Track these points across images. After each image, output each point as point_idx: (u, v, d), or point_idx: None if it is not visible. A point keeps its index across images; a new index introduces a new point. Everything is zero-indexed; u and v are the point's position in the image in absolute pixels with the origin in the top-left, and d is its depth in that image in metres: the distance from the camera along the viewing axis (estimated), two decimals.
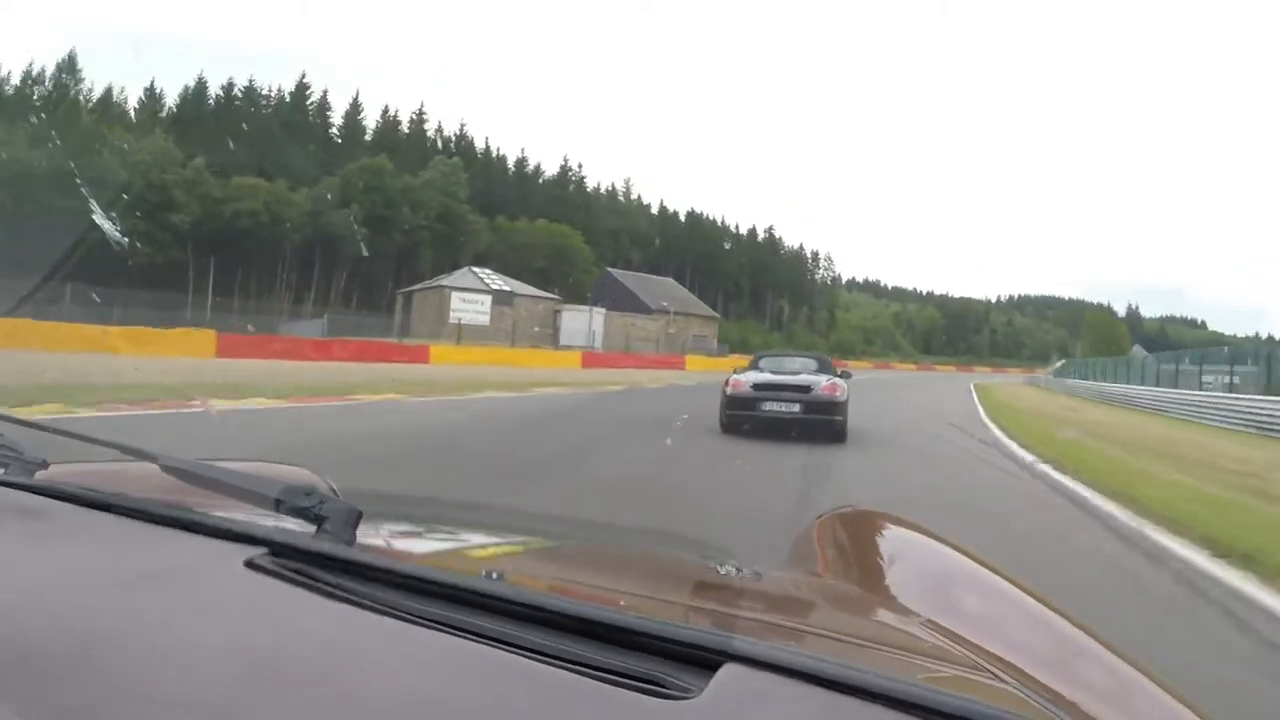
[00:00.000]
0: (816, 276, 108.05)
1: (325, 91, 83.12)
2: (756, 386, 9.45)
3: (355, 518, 0.73)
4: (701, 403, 14.07)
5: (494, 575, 0.66)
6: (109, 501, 0.83)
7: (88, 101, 65.58)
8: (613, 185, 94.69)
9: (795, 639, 0.74)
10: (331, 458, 5.72)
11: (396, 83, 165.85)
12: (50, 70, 63.86)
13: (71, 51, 61.58)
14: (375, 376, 15.76)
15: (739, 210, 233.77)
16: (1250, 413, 15.51)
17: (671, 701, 0.49)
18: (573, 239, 72.85)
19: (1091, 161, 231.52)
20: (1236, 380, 20.77)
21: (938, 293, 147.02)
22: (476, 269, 54.38)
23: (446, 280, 51.76)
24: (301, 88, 79.38)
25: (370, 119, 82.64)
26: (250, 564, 0.68)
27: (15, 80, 62.23)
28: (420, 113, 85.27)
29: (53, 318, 24.29)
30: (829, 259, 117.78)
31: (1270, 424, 14.28)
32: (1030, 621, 0.91)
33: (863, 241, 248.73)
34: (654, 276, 70.47)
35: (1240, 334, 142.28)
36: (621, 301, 60.27)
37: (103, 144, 54.76)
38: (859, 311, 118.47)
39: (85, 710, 0.47)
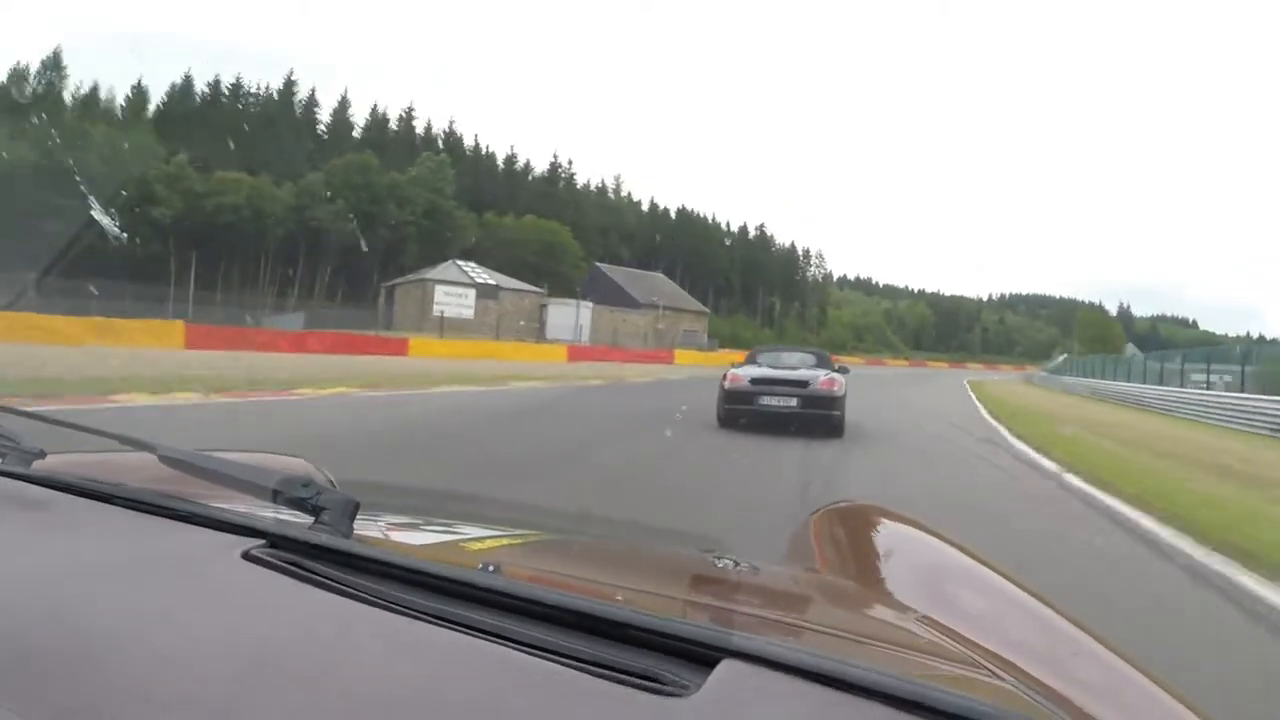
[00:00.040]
0: (808, 273, 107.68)
1: (313, 89, 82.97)
2: (755, 381, 9.48)
3: (352, 509, 0.73)
4: (686, 399, 13.32)
5: (490, 568, 0.66)
6: (107, 492, 0.83)
7: (78, 98, 65.01)
8: (603, 182, 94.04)
9: (793, 635, 0.75)
10: None
11: (386, 81, 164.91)
12: (35, 67, 62.76)
13: (57, 48, 60.46)
14: (338, 370, 15.05)
15: (730, 207, 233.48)
16: (1259, 412, 14.84)
17: (668, 697, 0.49)
18: (561, 235, 72.33)
19: (1084, 160, 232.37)
20: (1229, 380, 20.51)
21: (929, 290, 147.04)
22: (461, 262, 53.55)
23: (430, 273, 51.00)
24: (289, 85, 78.57)
25: (359, 116, 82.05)
26: (248, 555, 0.68)
27: (0, 77, 61.17)
28: (409, 110, 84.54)
29: (30, 310, 23.46)
30: (820, 256, 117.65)
31: None
32: (1027, 618, 0.92)
33: (854, 239, 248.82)
34: (643, 271, 69.96)
35: (1231, 334, 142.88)
36: (610, 296, 59.60)
37: (85, 140, 54.10)
38: (850, 309, 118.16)
39: (84, 704, 0.47)
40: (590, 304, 54.35)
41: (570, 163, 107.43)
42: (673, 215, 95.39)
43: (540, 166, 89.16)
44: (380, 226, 63.73)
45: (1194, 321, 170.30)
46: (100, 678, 0.50)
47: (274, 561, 0.67)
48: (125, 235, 52.97)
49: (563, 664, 0.52)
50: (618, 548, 1.41)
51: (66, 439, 0.98)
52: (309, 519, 0.73)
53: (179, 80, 72.85)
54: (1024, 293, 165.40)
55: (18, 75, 61.47)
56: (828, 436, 9.03)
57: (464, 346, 31.73)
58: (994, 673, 0.64)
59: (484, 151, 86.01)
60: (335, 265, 65.66)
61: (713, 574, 1.02)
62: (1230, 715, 1.96)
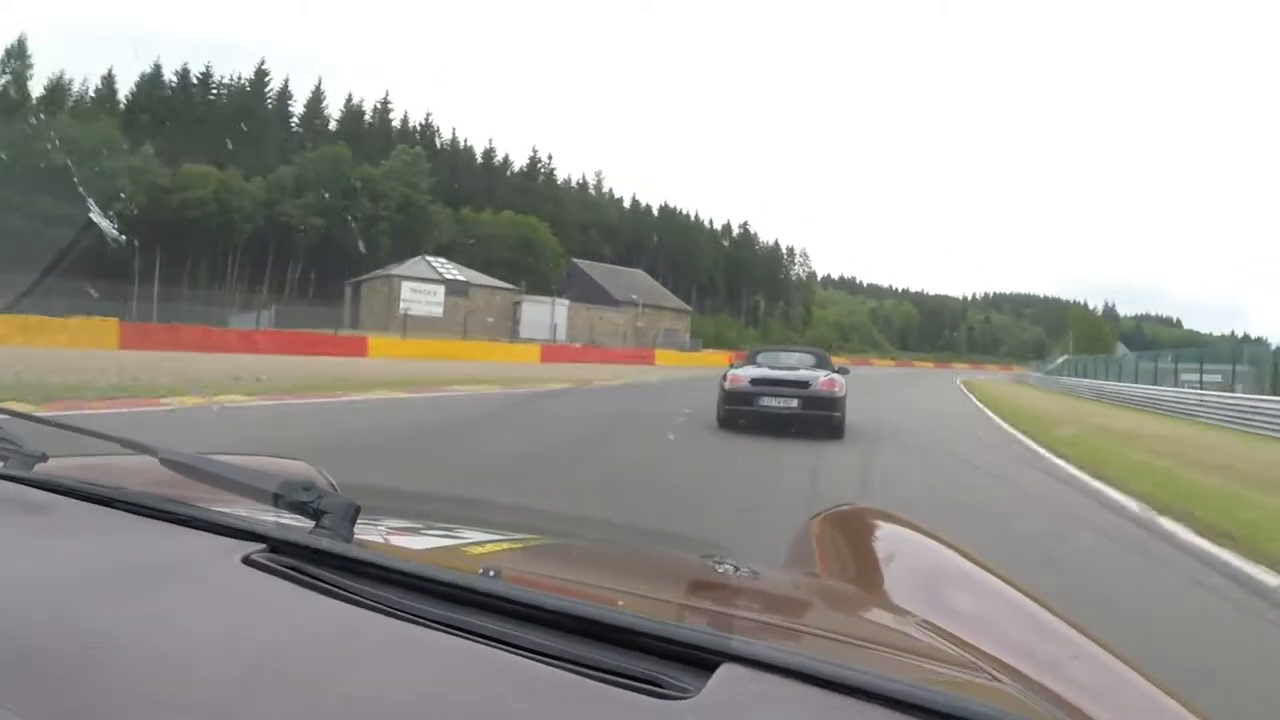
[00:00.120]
0: (792, 272, 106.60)
1: (286, 80, 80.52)
2: (755, 381, 9.42)
3: (353, 513, 0.73)
4: (656, 411, 11.86)
5: (491, 573, 0.66)
6: (108, 496, 0.83)
7: (61, 91, 63.01)
8: (583, 178, 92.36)
9: (793, 639, 0.75)
10: None
11: (361, 72, 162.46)
12: None
13: (21, 37, 58.19)
14: (267, 371, 13.42)
15: (714, 205, 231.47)
16: None
17: (669, 701, 0.49)
18: (540, 231, 70.80)
19: (1069, 159, 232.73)
20: (1218, 380, 20.33)
21: (914, 290, 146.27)
22: (431, 258, 51.60)
23: (397, 269, 49.06)
24: (260, 75, 76.46)
25: (334, 109, 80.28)
26: (248, 560, 0.68)
27: None
28: (385, 102, 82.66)
29: None
30: (805, 254, 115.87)
31: None
32: (1026, 621, 0.92)
33: (838, 238, 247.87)
34: (622, 268, 68.31)
35: (1216, 332, 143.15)
36: (588, 294, 57.89)
37: (46, 130, 52.32)
38: (835, 308, 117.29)
39: (84, 707, 0.47)
40: (566, 302, 52.64)
41: (550, 158, 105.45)
42: (655, 212, 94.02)
43: (519, 161, 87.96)
44: (353, 221, 62.24)
45: (1178, 320, 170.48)
46: (101, 681, 0.50)
47: (274, 566, 0.67)
48: (120, 237, 51.13)
49: (563, 669, 0.52)
50: (618, 552, 1.41)
51: (68, 442, 0.97)
52: (310, 523, 0.73)
53: (148, 70, 71.08)
54: (1009, 292, 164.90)
55: None
56: (828, 438, 8.92)
57: (428, 346, 29.95)
58: (994, 676, 0.64)
59: (461, 145, 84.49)
60: (306, 261, 64.41)
61: (713, 579, 1.03)
62: (1230, 715, 1.96)
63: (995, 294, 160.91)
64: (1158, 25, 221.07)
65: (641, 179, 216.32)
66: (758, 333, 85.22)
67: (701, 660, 0.53)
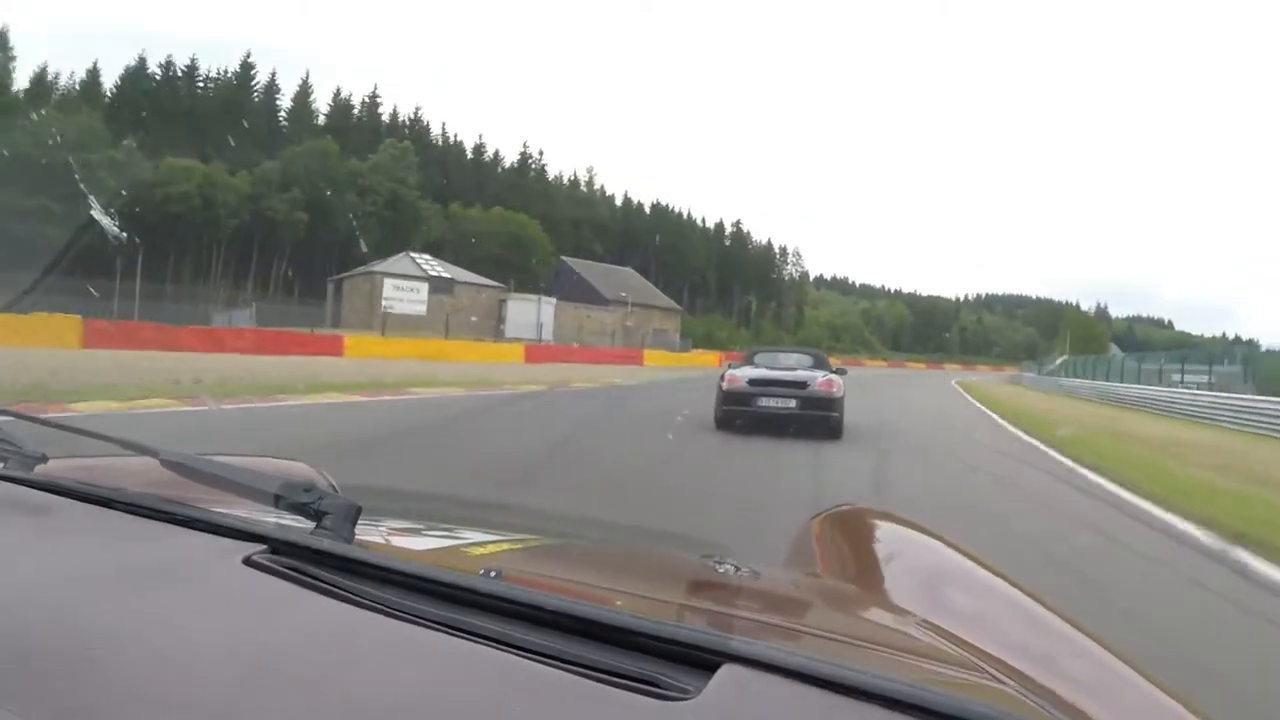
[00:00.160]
0: (785, 272, 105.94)
1: (273, 74, 79.29)
2: (753, 382, 9.45)
3: (354, 513, 0.74)
4: (628, 422, 11.02)
5: (492, 574, 0.67)
6: (108, 496, 0.83)
7: (45, 85, 62.14)
8: (575, 174, 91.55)
9: (793, 639, 0.75)
10: None
11: (350, 66, 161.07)
12: None
13: (3, 29, 57.09)
14: (227, 372, 12.68)
15: (706, 203, 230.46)
16: None
17: (669, 702, 0.49)
18: (530, 228, 69.97)
19: (1061, 162, 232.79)
20: (1212, 381, 19.96)
21: (906, 290, 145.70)
22: (415, 254, 50.55)
23: (379, 266, 47.98)
24: (246, 68, 75.40)
25: (321, 103, 79.21)
26: (249, 561, 0.68)
27: None
28: (374, 96, 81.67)
29: None
30: (797, 254, 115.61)
31: None
32: (1027, 620, 0.92)
33: (831, 238, 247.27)
34: (612, 266, 67.40)
35: (1207, 334, 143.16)
36: (577, 292, 57.05)
37: (27, 124, 51.56)
38: (828, 308, 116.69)
39: (85, 708, 0.48)
40: (553, 300, 51.70)
41: (541, 154, 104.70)
42: (648, 210, 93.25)
43: (510, 157, 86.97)
44: (339, 217, 61.42)
45: (1170, 322, 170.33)
46: (101, 681, 0.50)
47: (275, 567, 0.67)
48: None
49: (564, 669, 0.52)
50: (619, 552, 1.41)
51: (68, 443, 0.98)
52: (310, 524, 0.73)
53: (133, 63, 70.11)
54: (1001, 293, 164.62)
55: None
56: (826, 438, 8.94)
57: (407, 346, 29.07)
58: (994, 675, 0.64)
59: (451, 141, 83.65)
60: (292, 258, 63.54)
61: (713, 579, 1.03)
62: (1230, 715, 1.95)
63: (988, 295, 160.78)
64: (1147, 28, 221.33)
65: (634, 176, 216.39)
66: (749, 333, 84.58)
67: (702, 660, 0.53)
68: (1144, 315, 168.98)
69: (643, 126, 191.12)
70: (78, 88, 66.05)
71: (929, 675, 0.63)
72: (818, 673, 0.50)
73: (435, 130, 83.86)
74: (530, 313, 48.11)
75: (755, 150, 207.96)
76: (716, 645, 0.54)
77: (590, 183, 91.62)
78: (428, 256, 51.75)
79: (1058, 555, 4.39)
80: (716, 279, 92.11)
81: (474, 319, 43.85)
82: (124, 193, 54.30)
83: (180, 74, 71.83)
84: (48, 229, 44.75)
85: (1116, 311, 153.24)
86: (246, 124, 68.79)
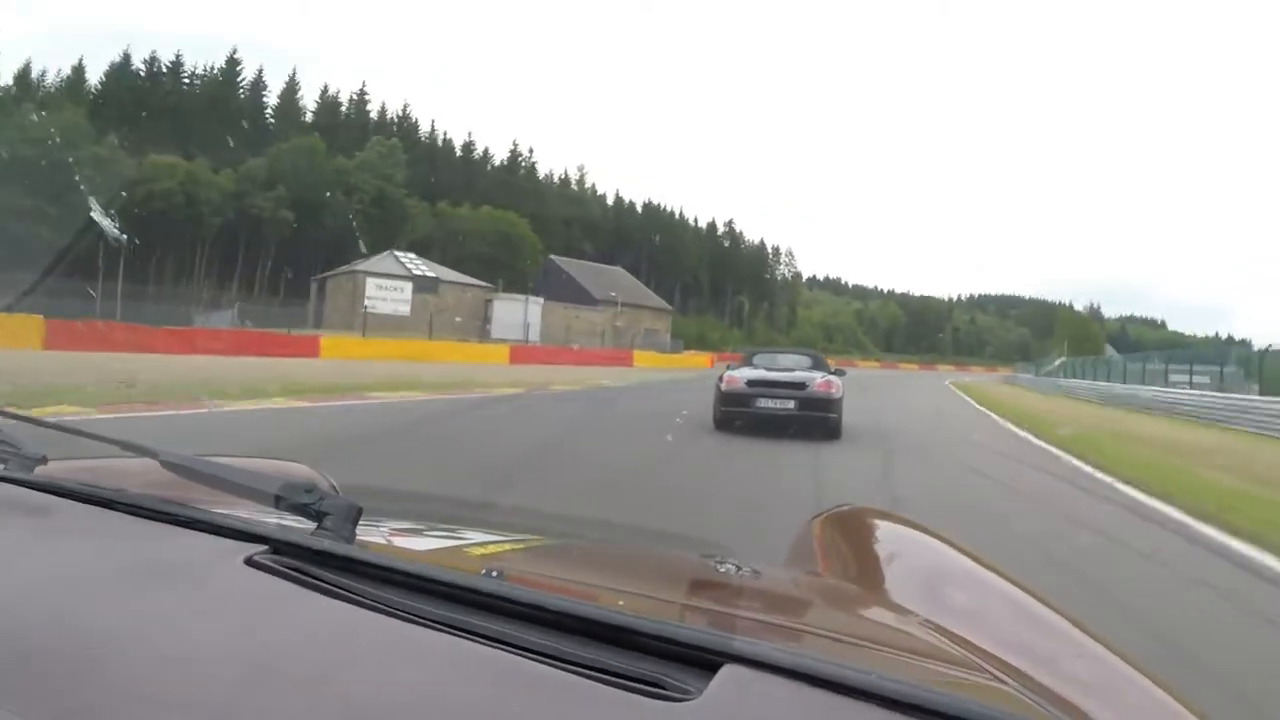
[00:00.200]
0: (777, 272, 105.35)
1: (260, 70, 78.37)
2: (751, 383, 9.47)
3: (355, 514, 0.74)
4: (611, 425, 10.41)
5: (494, 574, 0.67)
6: (109, 497, 0.84)
7: (28, 82, 61.51)
8: (566, 173, 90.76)
9: (795, 639, 0.76)
10: None
11: (339, 66, 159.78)
12: None
13: None
14: (182, 374, 11.90)
15: (699, 203, 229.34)
16: None
17: (671, 702, 0.49)
18: (519, 226, 69.15)
19: (1054, 162, 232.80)
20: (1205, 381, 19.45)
21: (899, 290, 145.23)
22: (399, 253, 49.52)
23: (362, 265, 46.95)
24: (232, 64, 74.39)
25: (309, 100, 78.29)
26: (250, 561, 0.68)
27: None
28: (362, 93, 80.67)
29: None
30: (790, 254, 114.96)
31: None
32: (1029, 620, 0.93)
33: (824, 238, 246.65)
34: (601, 265, 66.49)
35: (1200, 334, 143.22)
36: (565, 291, 56.13)
37: (10, 120, 50.82)
38: (820, 309, 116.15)
39: (85, 709, 0.48)
40: (540, 300, 50.74)
41: (531, 152, 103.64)
42: (639, 209, 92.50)
43: (500, 155, 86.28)
44: (325, 215, 60.54)
45: (1163, 322, 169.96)
46: (102, 682, 0.50)
47: (276, 567, 0.67)
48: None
49: (566, 669, 0.52)
50: (620, 553, 1.42)
51: (68, 444, 0.98)
52: (311, 524, 0.73)
53: (117, 59, 69.14)
54: (993, 293, 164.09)
55: None
56: (825, 439, 8.94)
57: (386, 347, 28.20)
58: (996, 675, 0.64)
59: (440, 138, 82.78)
60: (277, 257, 62.73)
61: (715, 579, 1.04)
62: (1230, 715, 1.97)
63: (980, 295, 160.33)
64: (1137, 29, 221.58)
65: (626, 175, 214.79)
66: (742, 333, 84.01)
67: (703, 661, 0.53)
68: (1137, 315, 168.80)
69: (635, 125, 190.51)
70: (61, 84, 65.16)
71: (930, 675, 0.63)
72: (819, 673, 0.50)
73: (424, 128, 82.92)
74: (517, 313, 47.20)
75: (748, 150, 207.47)
76: (718, 645, 0.54)
77: (581, 181, 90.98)
78: (412, 255, 50.72)
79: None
80: (709, 279, 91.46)
81: (458, 319, 42.85)
82: (109, 191, 53.41)
83: (165, 70, 70.95)
84: (30, 227, 43.97)
85: (1109, 311, 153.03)
86: (232, 121, 68.00)
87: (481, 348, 34.55)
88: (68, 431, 0.98)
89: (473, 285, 50.21)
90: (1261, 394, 16.57)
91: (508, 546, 1.08)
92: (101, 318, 30.45)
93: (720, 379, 9.83)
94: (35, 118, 52.72)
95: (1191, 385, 21.62)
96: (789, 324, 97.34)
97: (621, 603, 0.68)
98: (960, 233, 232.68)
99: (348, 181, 61.95)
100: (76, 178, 48.44)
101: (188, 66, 72.42)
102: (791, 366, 10.04)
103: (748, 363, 10.31)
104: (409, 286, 45.20)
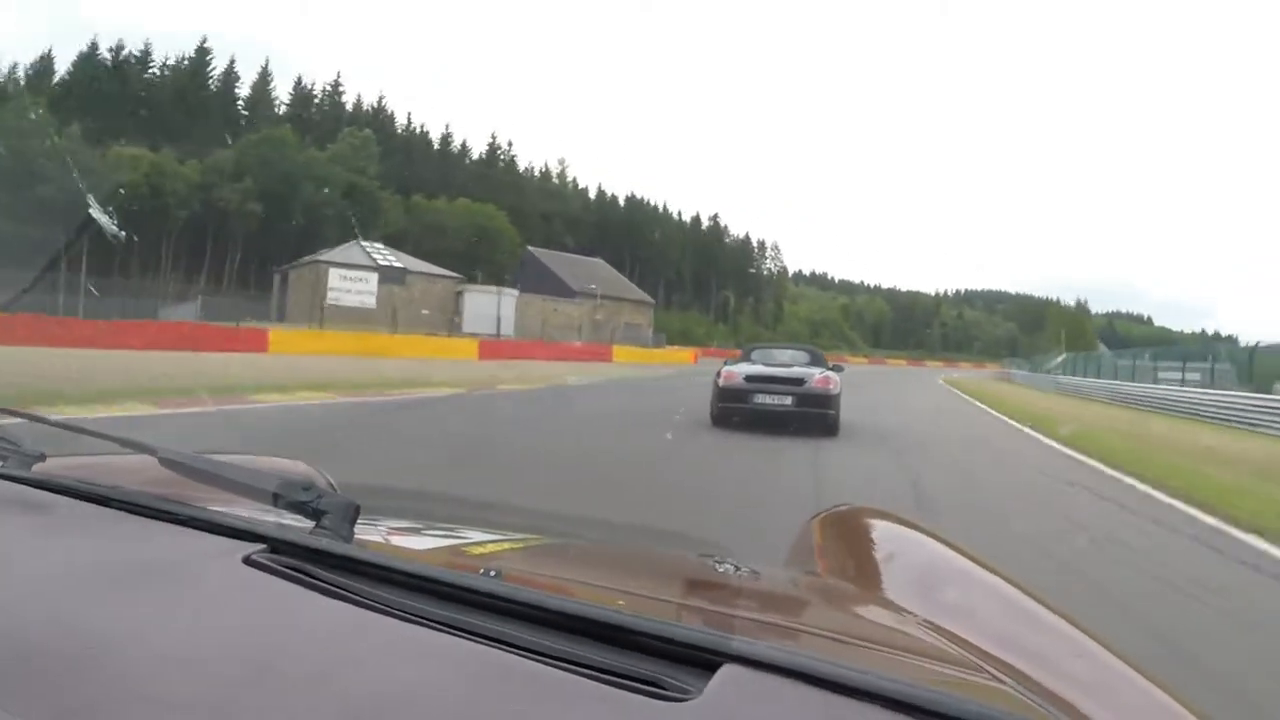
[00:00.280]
0: (763, 267, 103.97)
1: (231, 60, 76.32)
2: (749, 379, 9.47)
3: (353, 512, 0.74)
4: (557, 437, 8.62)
5: (492, 573, 0.67)
6: (107, 495, 0.84)
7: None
8: (546, 166, 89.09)
9: (794, 639, 0.76)
10: None
11: (315, 57, 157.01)
12: None
13: None
14: (78, 372, 10.53)
15: (682, 197, 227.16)
16: None
17: (670, 702, 0.49)
18: (497, 219, 67.52)
19: (1040, 157, 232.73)
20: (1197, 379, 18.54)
21: (885, 286, 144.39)
22: (366, 243, 47.41)
23: (326, 255, 44.87)
24: (202, 53, 72.19)
25: (283, 91, 76.41)
26: (248, 560, 0.68)
27: None
28: (336, 84, 78.74)
29: None
30: (776, 248, 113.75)
31: None
32: (1027, 620, 0.93)
33: (810, 233, 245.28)
34: (580, 256, 64.70)
35: (1186, 330, 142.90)
36: (543, 283, 54.29)
37: None
38: (807, 304, 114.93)
39: (83, 707, 0.48)
40: (514, 292, 48.87)
41: (510, 144, 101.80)
42: (622, 203, 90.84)
43: (479, 148, 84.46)
44: (296, 208, 58.72)
45: (1149, 318, 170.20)
46: (101, 681, 0.50)
47: (274, 566, 0.67)
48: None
49: (564, 669, 0.52)
50: (619, 552, 1.42)
51: (67, 442, 0.98)
52: (310, 523, 0.73)
53: (84, 49, 66.92)
54: (980, 289, 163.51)
55: None
56: (823, 435, 8.95)
57: (345, 341, 26.42)
58: (994, 675, 0.64)
59: (416, 130, 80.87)
60: (246, 250, 61.07)
61: (714, 578, 1.04)
62: (1230, 714, 1.96)
63: (967, 290, 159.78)
64: (1125, 25, 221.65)
65: (608, 169, 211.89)
66: (727, 328, 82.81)
67: (703, 660, 0.53)
68: (1123, 311, 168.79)
69: (618, 117, 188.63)
70: (30, 73, 63.10)
71: (929, 675, 0.63)
72: (818, 672, 0.50)
73: (400, 120, 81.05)
74: (489, 306, 45.29)
75: (733, 143, 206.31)
76: (717, 645, 0.53)
77: (562, 175, 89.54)
78: (379, 245, 48.61)
79: None
80: (693, 273, 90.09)
81: (425, 312, 40.86)
82: (59, 182, 51.54)
83: (133, 60, 68.76)
84: None
85: (1095, 307, 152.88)
86: (202, 112, 66.07)
87: (449, 342, 32.79)
88: (67, 429, 0.97)
89: (442, 276, 48.12)
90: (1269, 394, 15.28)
91: (506, 546, 1.06)
92: (65, 313, 28.90)
93: (718, 374, 9.78)
94: None
95: (1194, 382, 20.59)
96: (775, 319, 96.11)
97: (621, 602, 0.67)
98: (947, 228, 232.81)
99: (319, 174, 60.11)
100: (35, 169, 46.74)
101: (157, 57, 70.32)
102: (789, 362, 9.97)
103: (746, 358, 10.31)
104: (374, 277, 43.14)
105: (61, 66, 65.77)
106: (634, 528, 3.32)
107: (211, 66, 72.50)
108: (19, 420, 1.03)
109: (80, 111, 58.07)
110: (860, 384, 19.71)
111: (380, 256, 45.69)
